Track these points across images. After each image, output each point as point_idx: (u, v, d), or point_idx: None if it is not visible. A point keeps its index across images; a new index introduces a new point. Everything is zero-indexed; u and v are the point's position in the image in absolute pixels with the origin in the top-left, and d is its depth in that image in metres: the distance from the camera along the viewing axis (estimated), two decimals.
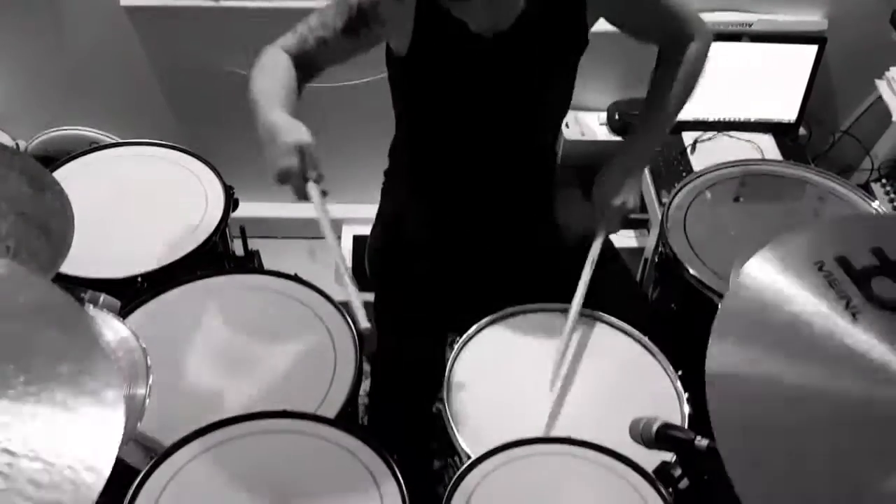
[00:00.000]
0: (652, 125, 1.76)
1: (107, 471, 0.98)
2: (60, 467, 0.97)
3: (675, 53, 1.70)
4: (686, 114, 2.43)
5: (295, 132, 1.37)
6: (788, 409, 1.01)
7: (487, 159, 1.78)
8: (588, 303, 1.71)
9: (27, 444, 0.97)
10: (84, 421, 1.01)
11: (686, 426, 1.56)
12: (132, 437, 1.39)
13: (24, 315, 1.11)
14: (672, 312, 2.01)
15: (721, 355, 1.03)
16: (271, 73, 1.52)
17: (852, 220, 1.19)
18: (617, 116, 2.55)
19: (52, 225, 1.46)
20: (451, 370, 1.64)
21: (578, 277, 1.73)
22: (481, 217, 1.86)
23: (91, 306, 1.55)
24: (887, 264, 1.10)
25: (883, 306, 1.06)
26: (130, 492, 1.37)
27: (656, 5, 1.64)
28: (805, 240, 1.14)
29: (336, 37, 1.55)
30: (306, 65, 1.58)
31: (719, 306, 1.09)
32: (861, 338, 1.04)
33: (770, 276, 1.09)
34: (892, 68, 2.40)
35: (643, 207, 2.44)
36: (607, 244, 1.82)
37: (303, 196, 1.38)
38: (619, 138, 2.52)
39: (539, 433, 1.52)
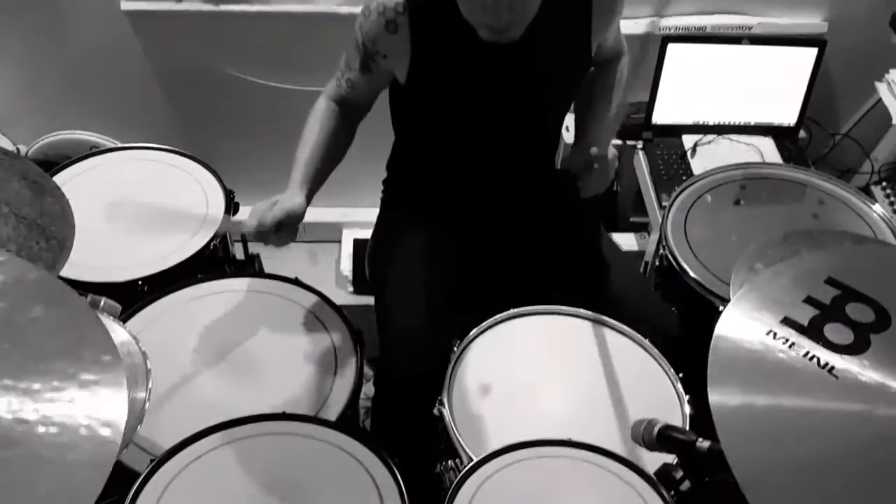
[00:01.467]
0: (610, 121, 1.83)
1: (122, 425, 1.00)
2: (76, 427, 0.98)
3: (616, 63, 1.86)
4: (687, 117, 2.46)
5: (286, 201, 1.60)
6: (803, 438, 1.05)
7: (487, 170, 1.81)
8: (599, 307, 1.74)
9: (38, 412, 0.99)
10: (88, 389, 1.03)
11: (687, 428, 1.56)
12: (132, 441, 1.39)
13: (5, 294, 1.11)
14: (673, 315, 2.00)
15: (723, 398, 1.08)
16: (311, 125, 1.71)
17: (769, 276, 1.29)
18: None
19: (52, 229, 1.46)
20: (452, 372, 1.64)
21: (579, 280, 1.74)
22: (481, 222, 1.87)
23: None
24: (826, 309, 1.18)
25: (847, 351, 1.13)
26: (130, 495, 1.37)
27: (617, 25, 1.78)
28: (747, 312, 1.19)
29: (358, 76, 1.69)
30: (349, 105, 1.74)
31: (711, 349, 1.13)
32: (846, 381, 1.10)
33: (743, 347, 1.15)
34: (891, 71, 2.40)
35: (644, 210, 2.44)
36: (614, 250, 1.89)
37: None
38: (618, 142, 2.52)
39: (540, 435, 1.52)
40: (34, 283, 1.14)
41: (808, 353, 1.12)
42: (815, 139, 2.58)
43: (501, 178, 1.83)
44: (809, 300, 1.18)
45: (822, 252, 1.34)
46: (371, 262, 1.99)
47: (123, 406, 1.02)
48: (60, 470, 0.96)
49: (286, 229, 1.60)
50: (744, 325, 1.16)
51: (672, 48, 2.36)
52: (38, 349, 1.06)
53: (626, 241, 2.63)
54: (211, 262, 1.92)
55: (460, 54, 1.59)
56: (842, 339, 1.14)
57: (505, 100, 1.67)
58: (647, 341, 1.72)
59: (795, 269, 1.27)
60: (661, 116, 2.46)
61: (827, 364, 1.11)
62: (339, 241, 2.84)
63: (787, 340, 1.14)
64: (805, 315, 1.16)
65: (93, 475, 0.96)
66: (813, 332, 1.15)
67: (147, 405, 1.40)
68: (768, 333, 1.15)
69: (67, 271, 1.48)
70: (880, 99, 2.39)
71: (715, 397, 1.08)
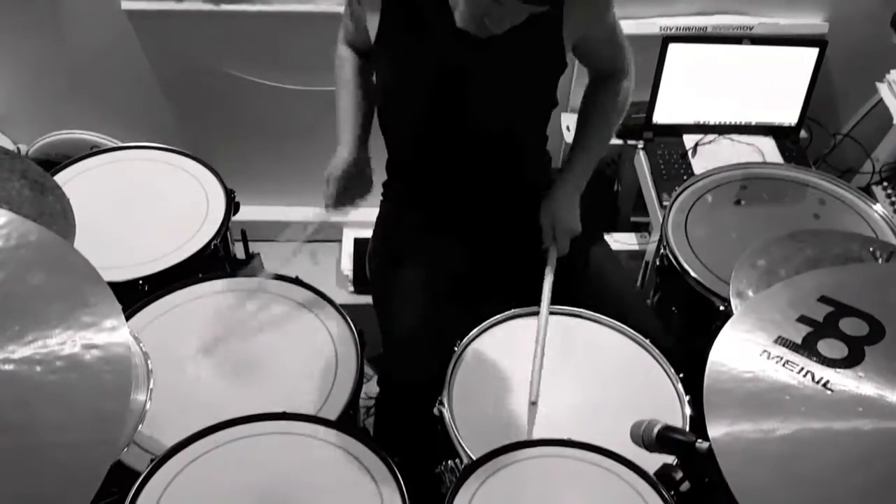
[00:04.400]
0: (592, 149, 1.84)
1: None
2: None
3: (613, 83, 1.80)
4: (688, 117, 2.46)
5: (333, 164, 1.69)
6: (802, 455, 1.05)
7: (472, 167, 1.78)
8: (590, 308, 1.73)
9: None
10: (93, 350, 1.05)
11: (687, 428, 1.56)
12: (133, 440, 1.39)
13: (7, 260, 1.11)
14: (673, 315, 2.01)
15: (721, 425, 1.09)
16: (341, 74, 1.78)
17: (763, 299, 1.31)
18: None
19: (53, 228, 1.46)
20: (452, 372, 1.64)
21: (579, 279, 1.74)
22: (478, 222, 1.86)
23: None
24: (819, 326, 1.18)
25: (843, 364, 1.13)
26: (131, 494, 1.37)
27: (606, 29, 1.70)
28: (740, 333, 1.20)
29: (349, 24, 1.74)
30: (360, 45, 1.76)
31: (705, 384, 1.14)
32: (842, 395, 1.10)
33: (738, 371, 1.15)
34: (892, 71, 2.40)
35: (644, 210, 2.44)
36: (605, 250, 1.90)
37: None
38: (619, 142, 2.52)
39: (540, 435, 1.52)
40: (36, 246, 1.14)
41: (802, 369, 1.12)
42: (816, 139, 2.58)
43: (489, 177, 1.81)
44: (803, 319, 1.19)
45: (814, 273, 1.35)
46: (371, 261, 1.99)
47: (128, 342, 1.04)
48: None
49: (356, 180, 1.70)
50: (738, 347, 1.17)
51: (673, 48, 2.35)
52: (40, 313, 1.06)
53: (626, 240, 2.62)
54: (211, 262, 1.92)
55: (430, 27, 1.57)
56: (836, 353, 1.14)
57: (467, 86, 1.64)
58: (647, 341, 1.72)
59: (788, 291, 1.27)
60: (661, 116, 2.46)
61: (822, 379, 1.11)
62: (340, 241, 2.84)
63: (781, 359, 1.14)
64: (799, 333, 1.17)
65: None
66: (807, 348, 1.15)
67: (148, 405, 1.41)
68: (762, 354, 1.15)
69: None
70: (881, 99, 2.39)
71: (713, 423, 1.09)
